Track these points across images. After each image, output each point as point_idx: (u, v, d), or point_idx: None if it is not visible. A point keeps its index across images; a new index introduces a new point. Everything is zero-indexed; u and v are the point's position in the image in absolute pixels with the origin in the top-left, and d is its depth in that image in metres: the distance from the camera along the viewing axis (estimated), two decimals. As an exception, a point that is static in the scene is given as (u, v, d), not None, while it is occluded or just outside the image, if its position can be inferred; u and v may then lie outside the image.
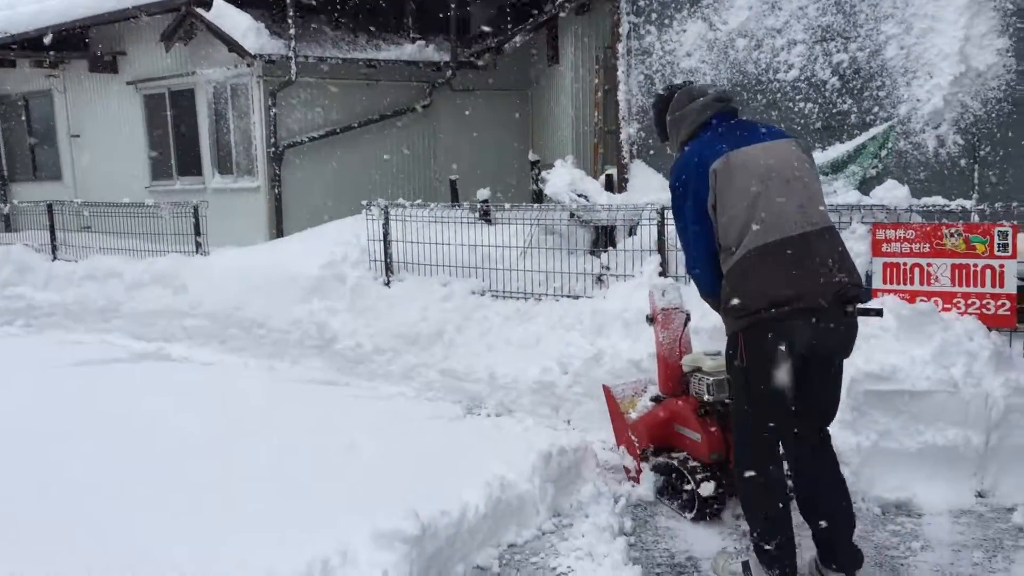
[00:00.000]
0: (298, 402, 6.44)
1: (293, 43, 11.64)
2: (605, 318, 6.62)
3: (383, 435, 5.40)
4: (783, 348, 3.31)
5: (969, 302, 5.46)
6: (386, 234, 8.17)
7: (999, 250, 5.37)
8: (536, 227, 7.79)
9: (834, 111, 7.52)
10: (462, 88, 13.47)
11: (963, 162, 6.99)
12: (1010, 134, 6.78)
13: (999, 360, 5.11)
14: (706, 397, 4.43)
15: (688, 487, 4.48)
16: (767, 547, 3.52)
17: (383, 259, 8.17)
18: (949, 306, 5.48)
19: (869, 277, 5.82)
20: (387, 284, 8.11)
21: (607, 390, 5.12)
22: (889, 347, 5.26)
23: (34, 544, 3.78)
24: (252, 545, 3.73)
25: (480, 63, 13.22)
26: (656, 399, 4.89)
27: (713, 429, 4.43)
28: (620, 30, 8.48)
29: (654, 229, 6.94)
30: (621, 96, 8.53)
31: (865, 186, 7.07)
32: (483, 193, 8.79)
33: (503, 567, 4.07)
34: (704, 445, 4.42)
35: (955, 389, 4.92)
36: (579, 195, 7.47)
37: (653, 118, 4.02)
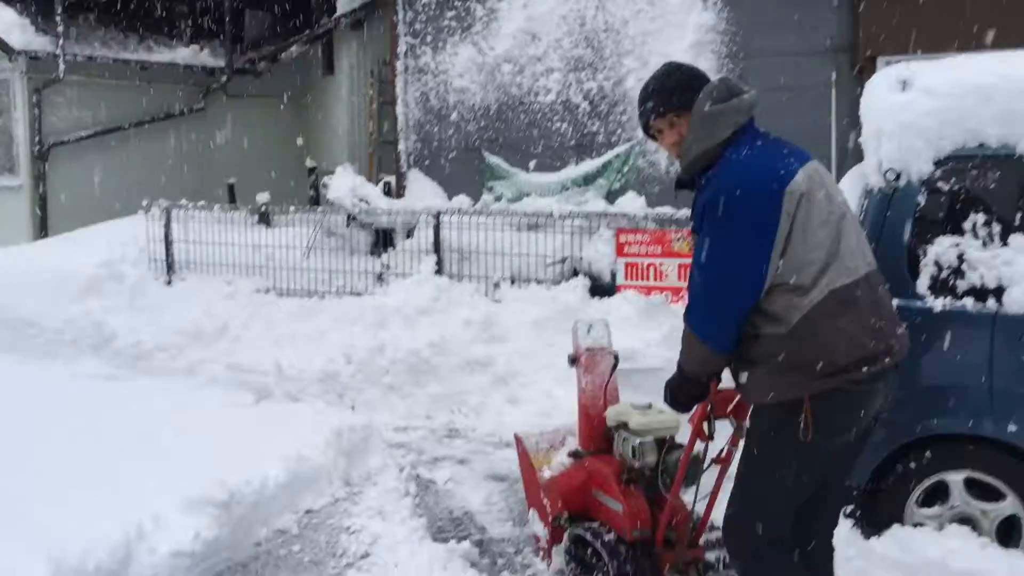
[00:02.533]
0: (86, 396, 6.47)
1: (61, 41, 11.33)
2: (386, 313, 7.23)
3: (179, 421, 5.62)
4: (858, 419, 2.66)
5: (692, 295, 6.58)
6: (167, 234, 8.31)
7: (714, 252, 6.53)
8: (318, 229, 8.25)
9: (585, 131, 8.60)
10: (237, 94, 13.56)
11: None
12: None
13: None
14: (633, 461, 3.52)
15: (606, 570, 3.50)
16: None
17: (164, 259, 8.31)
18: (677, 299, 6.57)
19: (614, 275, 6.84)
20: (169, 283, 8.26)
21: (519, 440, 4.17)
22: (630, 333, 6.24)
23: None
24: (64, 518, 3.92)
25: (256, 70, 13.38)
26: (575, 455, 3.95)
27: (638, 500, 3.51)
28: (398, 50, 9.15)
29: (430, 232, 7.63)
30: (400, 110, 9.20)
31: (611, 197, 8.16)
32: (262, 197, 9.12)
33: (302, 529, 4.53)
34: (626, 518, 3.47)
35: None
36: (361, 200, 8.03)
37: (654, 96, 3.05)
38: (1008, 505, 3.69)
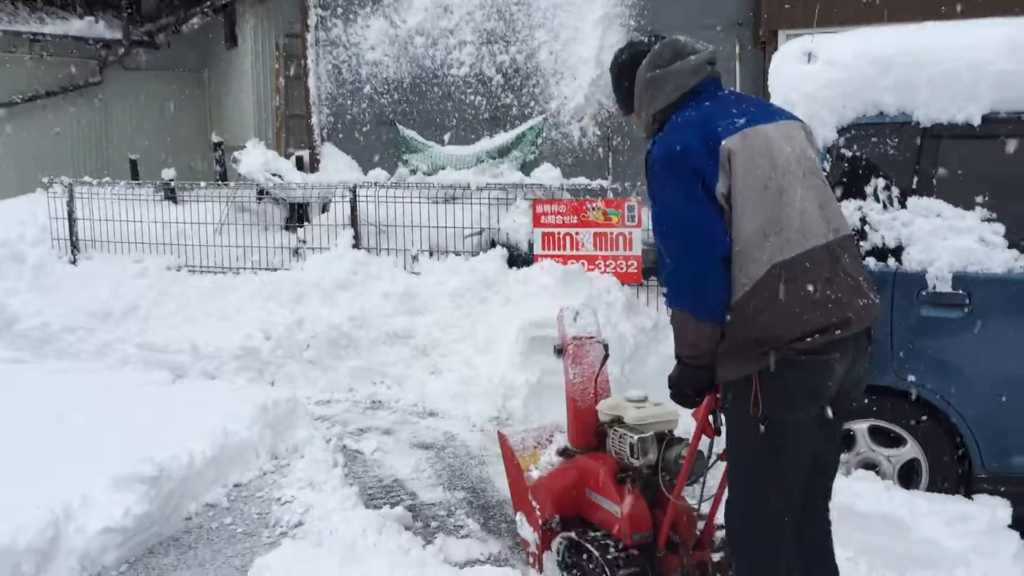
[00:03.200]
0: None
1: (-55, 10, 10.77)
2: (304, 288, 7.19)
3: (95, 402, 5.52)
4: (817, 391, 2.54)
5: (607, 263, 6.76)
6: (71, 212, 8.05)
7: (628, 221, 6.72)
8: (230, 205, 8.12)
9: (499, 104, 8.67)
10: (136, 67, 13.14)
11: (600, 149, 8.43)
12: (635, 127, 8.28)
13: (630, 308, 6.42)
14: (631, 460, 3.27)
15: None
16: None
17: (68, 237, 8.05)
18: (592, 267, 6.74)
19: (531, 245, 6.95)
20: (73, 262, 8.01)
21: (503, 439, 3.86)
22: (547, 302, 6.37)
23: None
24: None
25: (155, 42, 12.98)
26: (565, 453, 3.69)
27: (637, 501, 3.25)
28: (308, 21, 9.02)
29: (347, 206, 7.60)
30: (311, 84, 9.09)
31: (526, 168, 8.27)
32: (168, 173, 8.90)
33: (232, 502, 4.54)
34: (625, 521, 3.22)
35: (598, 332, 6.14)
36: (274, 174, 7.93)
37: (612, 81, 2.99)
38: (908, 450, 3.97)
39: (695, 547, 3.16)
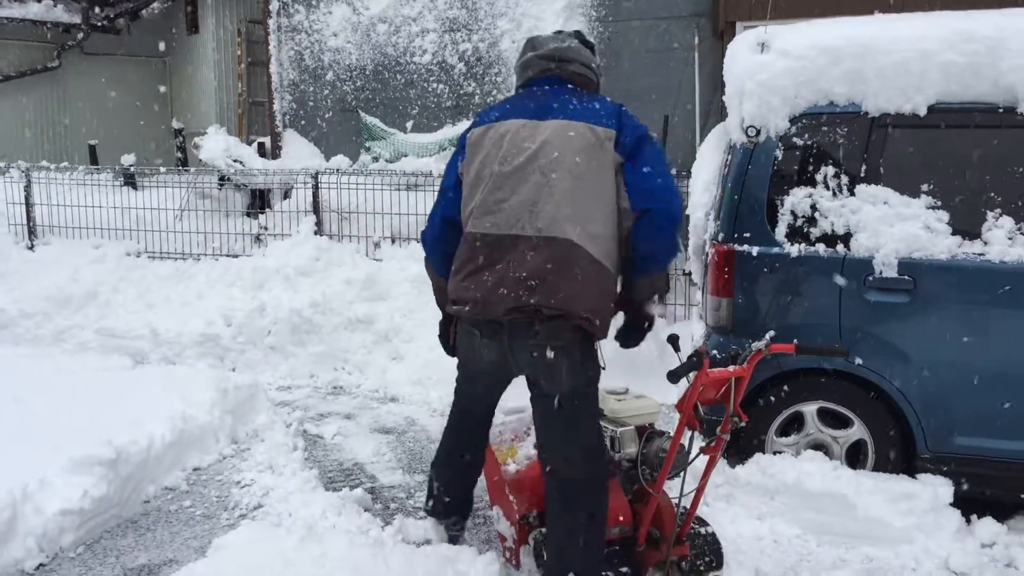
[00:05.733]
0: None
1: None
2: (266, 274, 7.18)
3: (54, 386, 5.46)
4: (474, 357, 3.07)
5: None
6: (28, 197, 7.96)
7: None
8: (190, 191, 8.08)
9: (461, 92, 8.69)
10: (95, 52, 12.96)
11: (563, 139, 8.48)
12: None
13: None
14: (612, 453, 3.22)
15: None
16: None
17: (25, 223, 7.96)
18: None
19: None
20: (31, 248, 7.93)
21: None
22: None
23: None
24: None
25: (115, 27, 12.81)
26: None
27: (617, 495, 3.19)
28: (270, 7, 8.97)
29: (309, 192, 7.60)
30: (273, 70, 9.04)
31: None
32: (128, 158, 8.83)
33: (191, 485, 4.54)
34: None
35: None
36: (235, 160, 7.90)
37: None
38: (856, 431, 4.09)
39: (676, 542, 3.14)
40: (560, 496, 2.97)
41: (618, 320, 3.11)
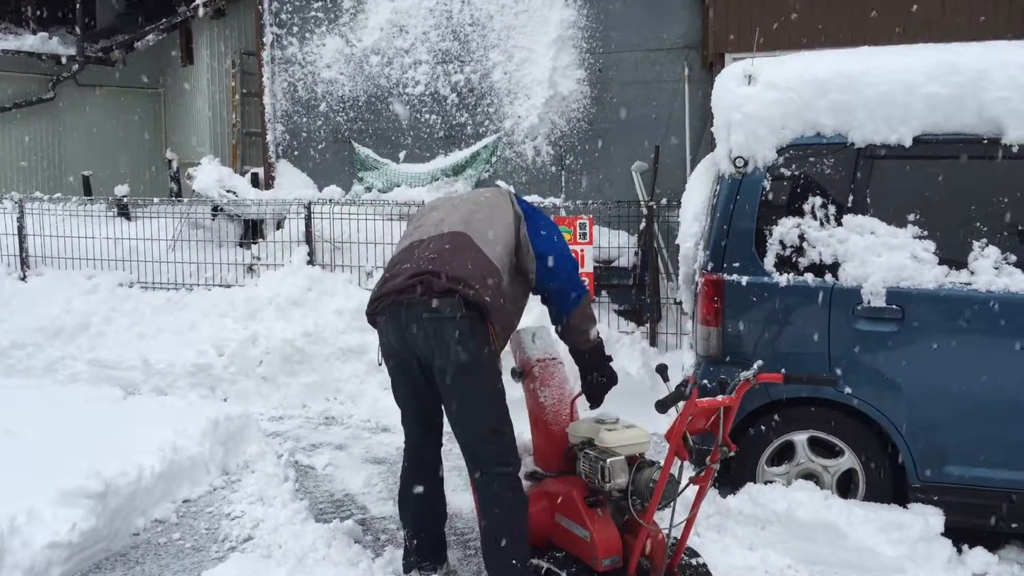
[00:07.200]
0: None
1: None
2: (258, 304, 7.19)
3: (44, 417, 5.45)
4: (387, 340, 3.32)
5: (560, 280, 6.83)
6: (21, 227, 7.97)
7: (580, 238, 6.82)
8: (183, 221, 8.10)
9: (454, 123, 8.75)
10: (90, 83, 13.03)
11: (553, 168, 8.55)
12: (587, 147, 8.45)
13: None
14: (602, 483, 3.19)
15: None
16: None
17: (18, 253, 7.97)
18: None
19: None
20: (23, 279, 7.92)
21: None
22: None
23: None
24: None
25: (110, 59, 12.89)
26: (533, 477, 3.60)
27: (607, 525, 3.24)
28: (264, 39, 9.04)
29: (301, 222, 7.62)
30: (267, 101, 9.10)
31: (480, 186, 8.35)
32: (121, 189, 8.86)
33: (181, 517, 4.52)
34: (595, 546, 3.19)
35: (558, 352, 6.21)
36: (228, 191, 7.93)
37: None
38: (846, 460, 4.09)
39: (666, 573, 3.14)
40: (479, 494, 3.24)
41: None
